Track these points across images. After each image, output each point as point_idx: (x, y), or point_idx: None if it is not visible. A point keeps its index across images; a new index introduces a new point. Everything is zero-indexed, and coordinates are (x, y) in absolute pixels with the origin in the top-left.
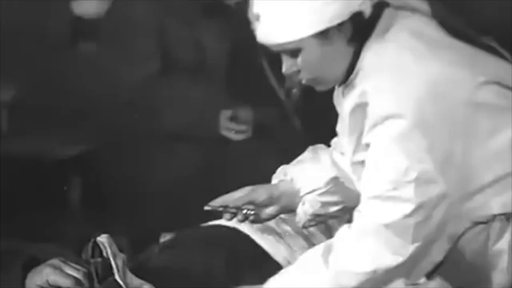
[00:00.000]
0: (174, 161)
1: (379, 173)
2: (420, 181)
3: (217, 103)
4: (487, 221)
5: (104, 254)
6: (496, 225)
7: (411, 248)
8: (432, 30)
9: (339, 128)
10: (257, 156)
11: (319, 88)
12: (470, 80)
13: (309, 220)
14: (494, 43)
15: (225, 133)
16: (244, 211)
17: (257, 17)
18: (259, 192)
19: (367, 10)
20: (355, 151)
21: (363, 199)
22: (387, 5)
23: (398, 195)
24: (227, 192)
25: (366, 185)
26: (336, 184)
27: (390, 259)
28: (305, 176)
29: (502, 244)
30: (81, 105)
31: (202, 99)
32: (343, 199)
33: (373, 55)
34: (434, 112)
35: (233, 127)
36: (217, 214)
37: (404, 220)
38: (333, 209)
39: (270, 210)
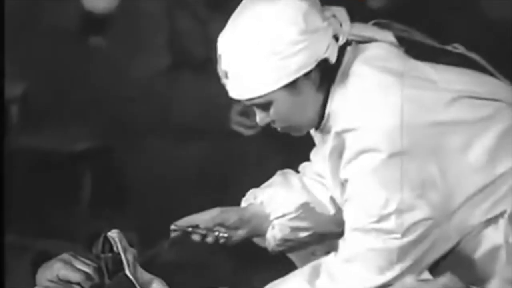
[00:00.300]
0: (184, 156)
1: (360, 206)
2: (401, 211)
3: (227, 98)
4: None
5: (115, 249)
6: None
7: (398, 268)
8: (395, 58)
9: (313, 155)
10: (265, 151)
11: (295, 134)
12: (438, 100)
13: (278, 245)
14: (462, 49)
15: (235, 127)
16: (216, 233)
17: (225, 74)
18: (230, 214)
19: (333, 55)
20: (342, 192)
21: (346, 230)
22: (349, 43)
23: (380, 227)
24: (237, 186)
25: (348, 217)
26: (307, 209)
27: (377, 279)
28: (275, 200)
29: (498, 238)
30: (91, 100)
31: (212, 93)
32: (313, 225)
33: (341, 96)
34: (405, 140)
35: (243, 122)
36: None
37: (389, 246)
38: (303, 234)
39: (240, 233)
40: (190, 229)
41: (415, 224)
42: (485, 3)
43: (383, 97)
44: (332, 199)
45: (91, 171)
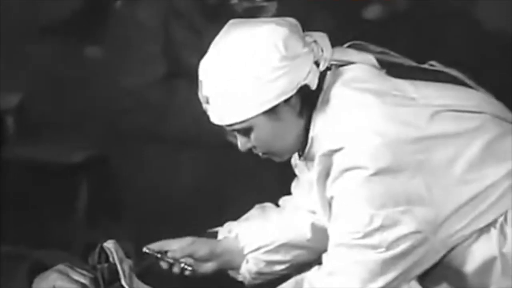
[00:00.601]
0: (180, 167)
1: (345, 223)
2: (386, 227)
3: None
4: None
5: (111, 259)
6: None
7: (381, 280)
8: (374, 78)
9: (294, 188)
10: (261, 162)
11: (277, 159)
12: (419, 116)
13: (253, 279)
14: (439, 66)
15: (231, 139)
16: (182, 265)
17: (206, 100)
18: (200, 246)
19: (314, 81)
20: (330, 215)
21: (330, 245)
22: (329, 68)
23: (364, 243)
24: (233, 198)
25: (333, 233)
26: (282, 244)
27: None
28: (250, 234)
29: (492, 250)
30: (87, 110)
31: None
32: (289, 258)
33: (323, 120)
34: (389, 157)
35: None
36: (224, 221)
37: (372, 259)
38: (279, 267)
39: (209, 266)
40: (159, 255)
41: (400, 238)
42: (481, 12)
43: (364, 116)
44: (313, 230)
45: (87, 181)
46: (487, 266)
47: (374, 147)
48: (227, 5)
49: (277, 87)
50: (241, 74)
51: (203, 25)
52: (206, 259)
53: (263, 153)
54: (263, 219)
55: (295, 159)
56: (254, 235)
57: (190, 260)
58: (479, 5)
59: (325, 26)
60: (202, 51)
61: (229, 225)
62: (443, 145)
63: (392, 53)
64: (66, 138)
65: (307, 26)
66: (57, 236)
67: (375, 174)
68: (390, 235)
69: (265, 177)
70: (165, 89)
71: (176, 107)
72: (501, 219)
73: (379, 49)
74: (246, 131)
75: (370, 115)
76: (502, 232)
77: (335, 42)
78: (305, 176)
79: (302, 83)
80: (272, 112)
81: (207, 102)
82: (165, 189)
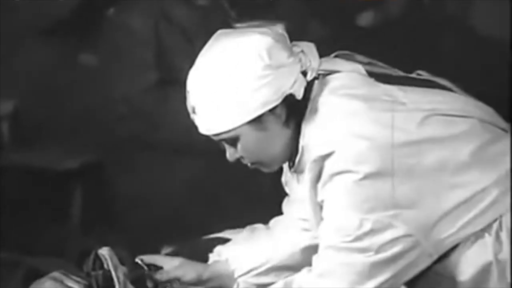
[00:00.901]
0: (174, 173)
1: (334, 226)
2: (377, 231)
3: None
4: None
5: (105, 266)
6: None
7: (370, 283)
8: (362, 85)
9: (285, 206)
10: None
11: (265, 170)
12: (409, 120)
13: None
14: (426, 75)
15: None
16: (166, 287)
17: (193, 110)
18: (187, 270)
19: (299, 91)
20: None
21: (321, 247)
22: (317, 78)
23: (354, 246)
24: (227, 206)
25: (323, 236)
26: (272, 266)
27: None
28: (240, 257)
29: (487, 256)
30: (82, 117)
31: None
32: (279, 279)
33: (312, 128)
34: (378, 161)
35: None
36: (218, 229)
37: (362, 262)
38: None
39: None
40: (148, 270)
41: (390, 242)
42: (475, 20)
43: (353, 121)
44: (304, 251)
45: (82, 188)
46: (483, 273)
47: (362, 151)
48: (220, 12)
49: (261, 96)
50: (225, 83)
51: (195, 32)
52: (193, 284)
53: (252, 163)
54: (253, 241)
55: (285, 176)
56: (244, 258)
57: (175, 284)
58: (473, 12)
59: (318, 34)
60: (194, 57)
61: (219, 249)
62: (433, 149)
63: (380, 63)
64: (60, 145)
65: (300, 33)
66: (51, 242)
67: (365, 178)
68: (380, 239)
69: (259, 184)
70: (159, 96)
71: (170, 114)
72: (496, 225)
73: (366, 59)
74: (232, 141)
75: (358, 120)
76: (497, 239)
77: (328, 49)
78: (295, 193)
79: (287, 92)
80: (257, 121)
81: (194, 112)
82: (159, 196)
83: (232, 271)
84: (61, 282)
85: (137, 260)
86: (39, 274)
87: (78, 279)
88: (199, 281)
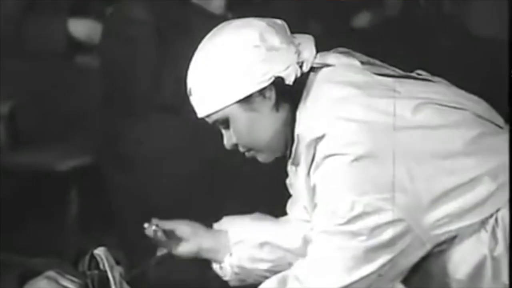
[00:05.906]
0: (171, 174)
1: (327, 210)
2: (367, 214)
3: None
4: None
5: (101, 266)
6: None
7: (365, 269)
8: (356, 73)
9: (289, 206)
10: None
11: (261, 158)
12: (403, 107)
13: (236, 274)
14: (425, 74)
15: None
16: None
17: (190, 91)
18: (183, 224)
19: (290, 77)
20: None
21: (314, 233)
22: (313, 69)
23: (346, 229)
24: (227, 207)
25: (316, 221)
26: (270, 242)
27: (344, 279)
28: (240, 227)
29: (482, 252)
30: (78, 118)
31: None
32: (273, 258)
33: (306, 115)
34: (369, 144)
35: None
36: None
37: (355, 246)
38: (261, 266)
39: (187, 247)
40: (154, 227)
41: (381, 226)
42: (470, 21)
43: (345, 106)
44: (304, 241)
45: (78, 188)
46: (477, 270)
47: (353, 133)
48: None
49: (251, 77)
50: (217, 64)
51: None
52: (186, 239)
53: (247, 150)
54: (257, 219)
55: (289, 179)
56: (243, 229)
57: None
58: (470, 12)
59: (314, 34)
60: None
61: (223, 220)
62: (426, 135)
63: (378, 62)
64: (57, 146)
65: (296, 32)
66: (47, 243)
67: (356, 159)
68: (371, 222)
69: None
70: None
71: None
72: (492, 221)
73: (365, 58)
74: (225, 123)
75: (351, 104)
76: (493, 235)
77: (325, 50)
78: (298, 191)
79: (277, 75)
80: (246, 102)
81: (190, 94)
82: (156, 196)
83: (228, 238)
84: (56, 281)
85: (151, 225)
86: (34, 274)
87: (74, 278)
88: (191, 236)
